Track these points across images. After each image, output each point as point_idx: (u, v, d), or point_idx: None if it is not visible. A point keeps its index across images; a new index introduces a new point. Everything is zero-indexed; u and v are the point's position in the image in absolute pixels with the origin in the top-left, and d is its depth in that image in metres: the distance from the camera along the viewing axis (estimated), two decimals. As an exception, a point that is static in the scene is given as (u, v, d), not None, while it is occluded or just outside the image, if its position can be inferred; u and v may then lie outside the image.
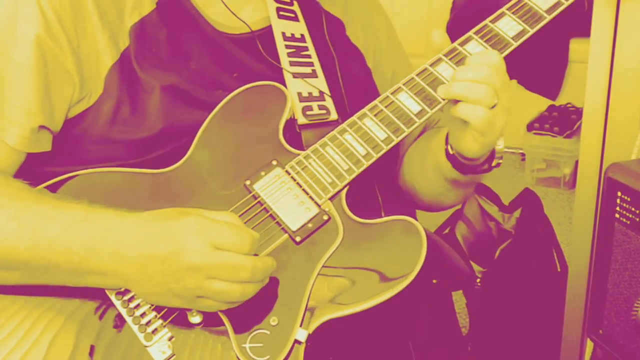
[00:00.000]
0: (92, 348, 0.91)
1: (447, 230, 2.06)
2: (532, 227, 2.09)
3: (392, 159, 1.10)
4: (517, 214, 2.10)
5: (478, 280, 1.97)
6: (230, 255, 0.88)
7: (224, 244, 0.88)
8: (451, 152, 1.08)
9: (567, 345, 1.76)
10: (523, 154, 3.40)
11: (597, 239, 1.28)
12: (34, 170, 1.04)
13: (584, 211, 1.62)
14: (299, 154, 1.04)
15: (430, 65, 1.05)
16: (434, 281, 1.40)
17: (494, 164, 1.09)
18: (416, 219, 1.25)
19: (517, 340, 1.99)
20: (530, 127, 3.30)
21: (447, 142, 1.09)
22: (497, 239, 2.07)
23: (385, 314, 0.97)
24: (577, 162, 2.66)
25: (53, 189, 1.01)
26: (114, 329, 0.93)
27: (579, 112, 3.23)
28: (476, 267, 2.01)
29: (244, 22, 1.12)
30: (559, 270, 2.05)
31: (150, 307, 0.94)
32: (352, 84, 1.18)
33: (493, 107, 0.98)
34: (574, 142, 3.19)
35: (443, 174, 1.13)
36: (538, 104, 3.39)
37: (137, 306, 0.94)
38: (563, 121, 3.28)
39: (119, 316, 0.94)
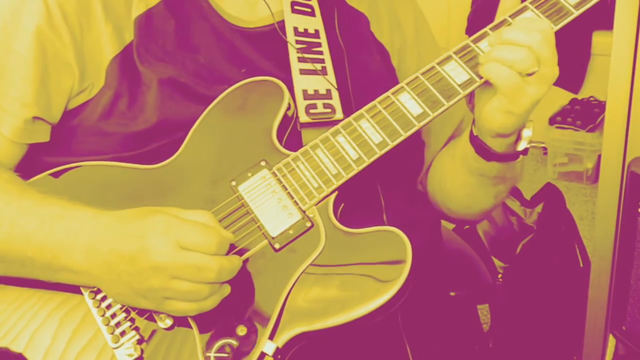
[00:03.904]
0: None
1: (467, 226, 2.05)
2: (554, 222, 2.07)
3: (399, 160, 1.04)
4: (539, 208, 2.09)
5: (499, 275, 1.95)
6: (195, 255, 0.86)
7: (190, 244, 0.86)
8: (475, 132, 1.03)
9: (589, 342, 1.74)
10: (545, 148, 3.38)
11: (620, 234, 1.27)
12: (31, 160, 1.05)
13: (607, 206, 1.61)
14: (288, 155, 0.99)
15: (438, 64, 0.98)
16: (452, 294, 1.35)
17: (519, 147, 1.01)
18: (439, 223, 1.21)
19: (539, 337, 1.98)
20: (552, 121, 3.28)
21: (473, 123, 1.04)
22: (519, 234, 2.05)
23: (368, 329, 0.91)
24: (599, 156, 2.63)
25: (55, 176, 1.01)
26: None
27: (601, 106, 3.20)
28: (497, 263, 2.00)
29: (270, 10, 1.10)
30: (581, 265, 2.03)
31: (121, 308, 0.92)
32: (365, 83, 1.12)
33: (530, 74, 0.92)
34: (596, 136, 3.16)
35: (469, 166, 1.08)
36: (560, 97, 3.36)
37: (109, 306, 0.93)
38: (585, 115, 3.25)
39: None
